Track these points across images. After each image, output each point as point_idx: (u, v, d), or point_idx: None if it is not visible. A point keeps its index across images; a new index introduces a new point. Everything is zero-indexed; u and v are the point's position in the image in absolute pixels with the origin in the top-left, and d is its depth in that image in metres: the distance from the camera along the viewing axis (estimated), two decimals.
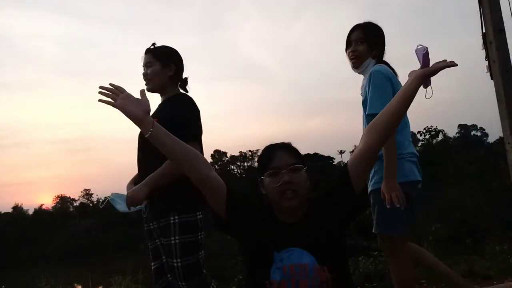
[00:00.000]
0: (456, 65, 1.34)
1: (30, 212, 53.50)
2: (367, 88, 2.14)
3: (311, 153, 53.69)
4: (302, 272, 1.34)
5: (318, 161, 52.18)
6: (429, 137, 16.53)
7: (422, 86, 1.40)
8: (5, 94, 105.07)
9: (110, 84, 1.44)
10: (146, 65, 2.24)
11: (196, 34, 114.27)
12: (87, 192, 60.64)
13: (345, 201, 1.45)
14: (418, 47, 1.38)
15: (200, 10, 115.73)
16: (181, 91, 2.33)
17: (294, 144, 1.55)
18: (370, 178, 2.18)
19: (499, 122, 3.22)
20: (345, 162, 1.62)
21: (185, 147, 1.42)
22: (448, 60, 1.36)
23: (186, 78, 2.34)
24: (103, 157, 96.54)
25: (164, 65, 2.22)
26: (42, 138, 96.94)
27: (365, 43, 2.22)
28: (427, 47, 1.36)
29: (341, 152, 70.11)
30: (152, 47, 2.28)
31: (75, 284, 12.58)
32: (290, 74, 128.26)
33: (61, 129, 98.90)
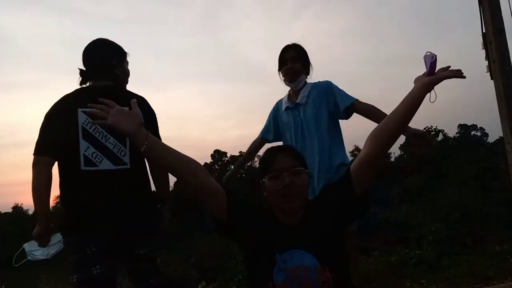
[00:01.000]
0: (464, 77, 1.32)
1: (30, 212, 53.50)
2: (320, 95, 2.46)
3: None
4: (304, 273, 1.34)
5: None
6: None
7: None
8: (5, 94, 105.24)
9: (100, 101, 1.36)
10: None
11: (196, 34, 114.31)
12: None
13: (345, 203, 1.45)
14: (427, 54, 1.37)
15: (200, 10, 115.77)
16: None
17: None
18: None
19: (499, 122, 3.23)
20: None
21: (180, 156, 1.40)
22: (452, 68, 1.34)
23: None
24: None
25: None
26: None
27: (299, 62, 2.54)
28: (435, 55, 1.34)
29: None
30: None
31: None
32: None
33: None
